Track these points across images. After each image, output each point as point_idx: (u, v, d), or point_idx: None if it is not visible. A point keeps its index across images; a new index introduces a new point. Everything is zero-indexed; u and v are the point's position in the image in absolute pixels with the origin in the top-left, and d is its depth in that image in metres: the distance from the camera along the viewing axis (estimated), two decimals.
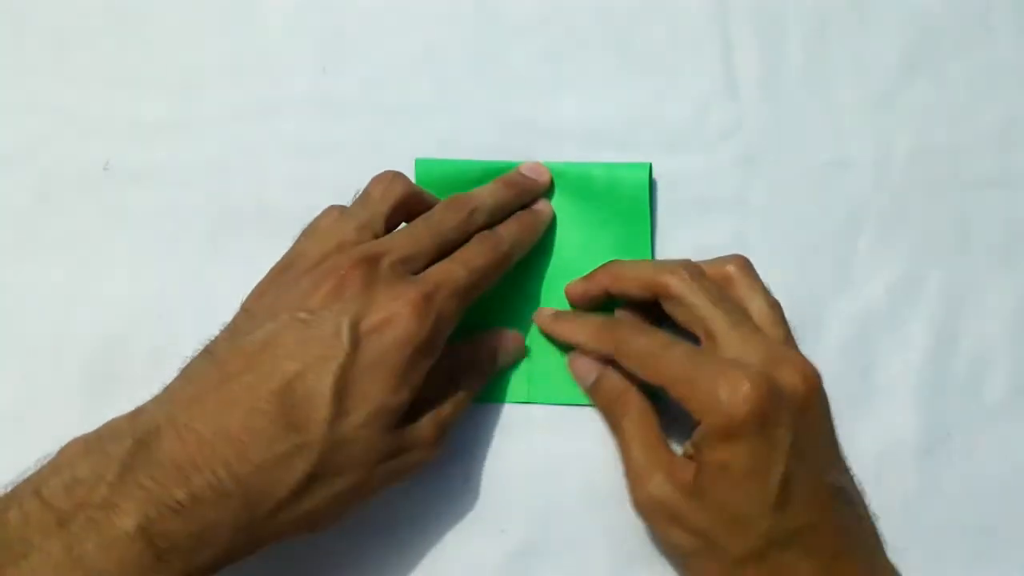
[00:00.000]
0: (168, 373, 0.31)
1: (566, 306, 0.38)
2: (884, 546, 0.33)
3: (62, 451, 0.28)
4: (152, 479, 0.27)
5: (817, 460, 0.31)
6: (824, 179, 0.41)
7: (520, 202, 0.38)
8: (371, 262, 0.31)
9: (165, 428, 0.28)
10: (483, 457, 0.37)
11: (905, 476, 0.37)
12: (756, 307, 0.34)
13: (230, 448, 0.28)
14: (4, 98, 0.42)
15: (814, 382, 0.31)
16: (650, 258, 0.39)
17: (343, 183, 0.36)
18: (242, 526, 0.28)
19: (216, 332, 0.32)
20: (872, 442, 0.37)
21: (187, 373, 0.31)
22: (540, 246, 0.38)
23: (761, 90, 0.42)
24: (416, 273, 0.32)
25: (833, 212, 0.40)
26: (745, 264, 0.35)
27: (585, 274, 0.37)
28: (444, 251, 0.34)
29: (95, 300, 0.39)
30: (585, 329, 0.36)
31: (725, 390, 0.29)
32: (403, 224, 0.35)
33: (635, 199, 0.39)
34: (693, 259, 0.35)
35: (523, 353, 0.38)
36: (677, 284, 0.33)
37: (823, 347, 0.38)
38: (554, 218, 0.39)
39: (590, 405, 0.37)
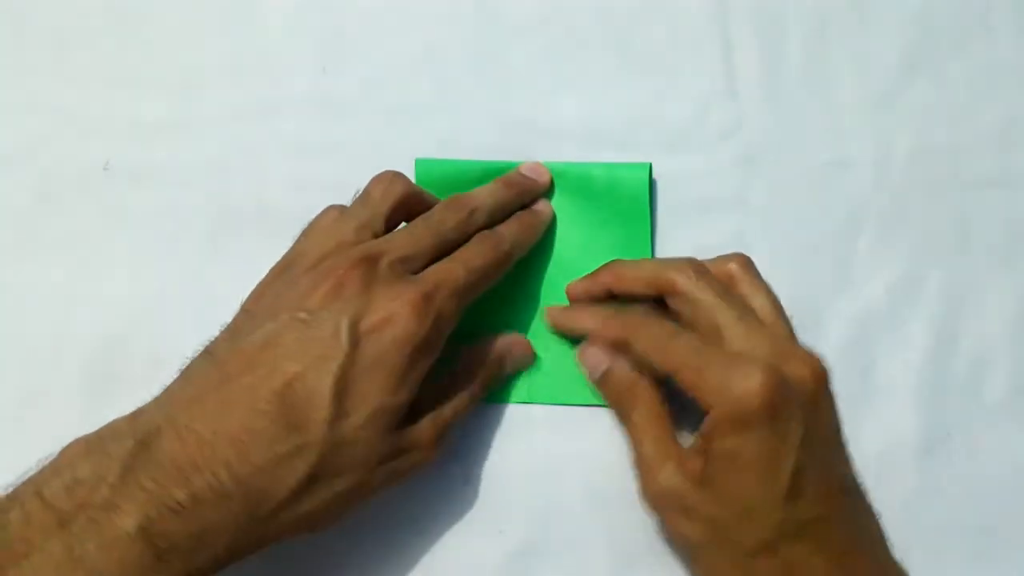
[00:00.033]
0: (168, 373, 0.31)
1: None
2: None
3: (63, 452, 0.28)
4: (153, 480, 0.27)
5: (827, 454, 0.31)
6: (824, 179, 0.41)
7: (520, 202, 0.38)
8: (370, 262, 0.31)
9: (165, 429, 0.28)
10: (483, 457, 0.37)
11: (905, 476, 0.37)
12: (759, 304, 0.34)
13: (230, 449, 0.28)
14: (4, 98, 0.42)
15: (822, 376, 0.31)
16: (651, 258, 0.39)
17: (343, 183, 0.36)
18: (242, 527, 0.28)
19: (216, 332, 0.32)
20: (872, 442, 0.37)
21: (187, 374, 0.31)
22: (540, 246, 0.38)
23: (761, 90, 0.42)
24: (416, 273, 0.32)
25: (833, 212, 0.40)
26: (747, 262, 0.35)
27: (585, 274, 0.37)
28: (444, 251, 0.34)
29: (95, 300, 0.39)
30: (596, 316, 0.36)
31: (737, 379, 0.29)
32: (403, 224, 0.35)
33: (635, 199, 0.39)
34: None
35: (532, 360, 0.38)
36: (683, 281, 0.33)
37: (823, 347, 0.38)
38: (554, 218, 0.39)
39: (590, 405, 0.37)
